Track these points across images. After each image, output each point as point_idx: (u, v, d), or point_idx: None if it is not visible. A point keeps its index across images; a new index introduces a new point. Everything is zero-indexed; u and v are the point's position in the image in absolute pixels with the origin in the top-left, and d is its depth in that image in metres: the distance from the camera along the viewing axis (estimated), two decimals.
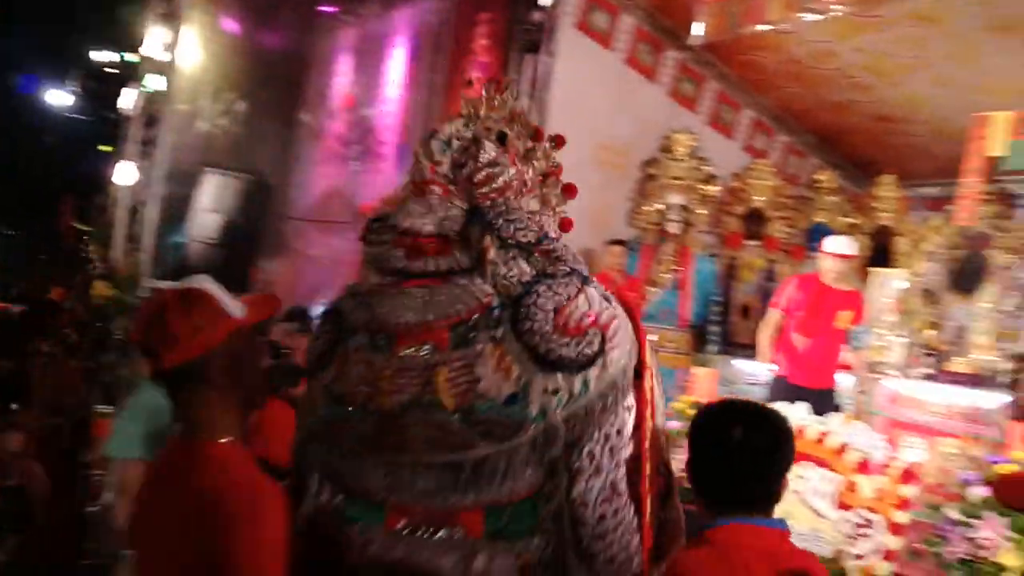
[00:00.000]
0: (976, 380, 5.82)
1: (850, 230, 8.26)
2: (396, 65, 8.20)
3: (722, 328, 7.61)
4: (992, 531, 3.48)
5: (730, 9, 6.49)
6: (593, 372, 1.63)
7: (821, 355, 5.90)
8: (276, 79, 9.01)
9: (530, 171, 1.94)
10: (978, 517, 3.41)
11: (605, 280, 4.61)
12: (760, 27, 6.39)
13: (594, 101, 7.21)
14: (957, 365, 6.16)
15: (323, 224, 8.44)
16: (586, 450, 1.60)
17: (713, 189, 7.78)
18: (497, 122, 1.93)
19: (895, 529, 4.09)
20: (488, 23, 7.22)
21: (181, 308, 1.49)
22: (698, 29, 6.63)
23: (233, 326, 1.54)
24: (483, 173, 1.81)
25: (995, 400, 4.52)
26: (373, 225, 1.85)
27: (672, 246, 7.54)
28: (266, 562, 1.38)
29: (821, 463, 3.89)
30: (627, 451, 1.67)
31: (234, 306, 1.57)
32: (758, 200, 8.25)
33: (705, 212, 7.76)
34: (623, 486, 1.64)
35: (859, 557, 3.99)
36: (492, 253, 1.72)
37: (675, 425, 5.34)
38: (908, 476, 4.08)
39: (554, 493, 1.59)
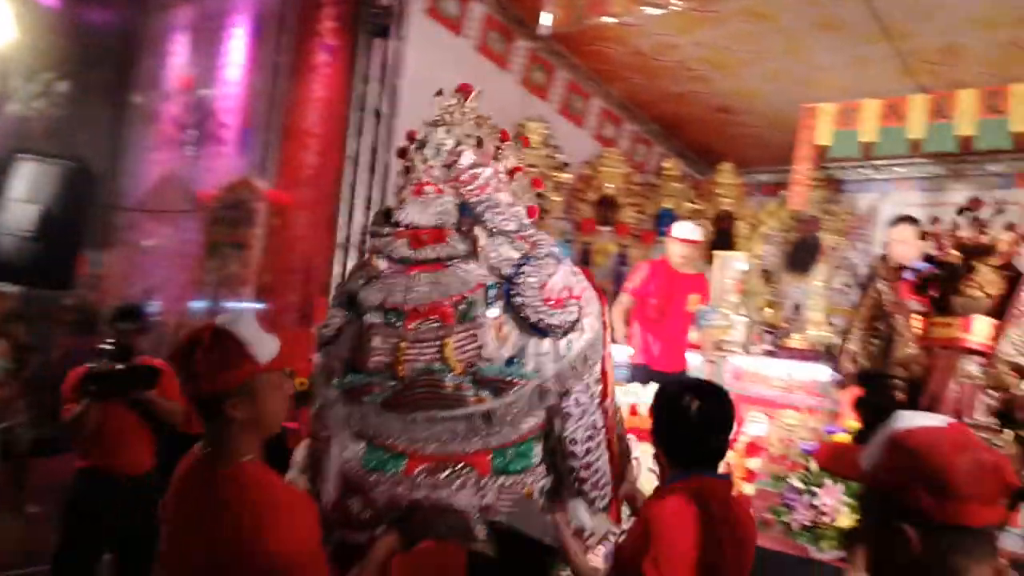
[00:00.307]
0: (812, 355, 6.21)
1: (694, 215, 8.62)
2: (237, 46, 7.74)
3: None
4: (832, 498, 3.69)
5: (577, 1, 6.58)
6: (574, 335, 2.00)
7: (672, 338, 6.11)
8: (104, 58, 8.31)
9: (501, 168, 2.30)
10: (819, 485, 3.59)
11: None
12: (605, 19, 6.51)
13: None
14: (794, 341, 6.54)
15: (159, 214, 7.86)
16: (573, 398, 1.96)
17: (566, 176, 7.88)
18: (468, 127, 2.30)
19: None
20: (335, 5, 6.93)
21: (208, 347, 1.68)
22: (546, 19, 6.66)
23: (253, 370, 1.72)
24: (467, 174, 2.19)
25: (829, 373, 4.82)
26: (379, 221, 2.20)
27: None
28: (297, 559, 1.57)
29: None
30: (604, 399, 2.03)
31: (265, 348, 1.73)
32: (609, 187, 8.45)
33: (559, 199, 7.85)
34: (601, 423, 2.00)
35: None
36: (483, 240, 2.06)
37: None
38: (753, 449, 4.29)
39: (550, 434, 1.96)
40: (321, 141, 6.87)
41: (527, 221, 2.22)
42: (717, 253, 7.63)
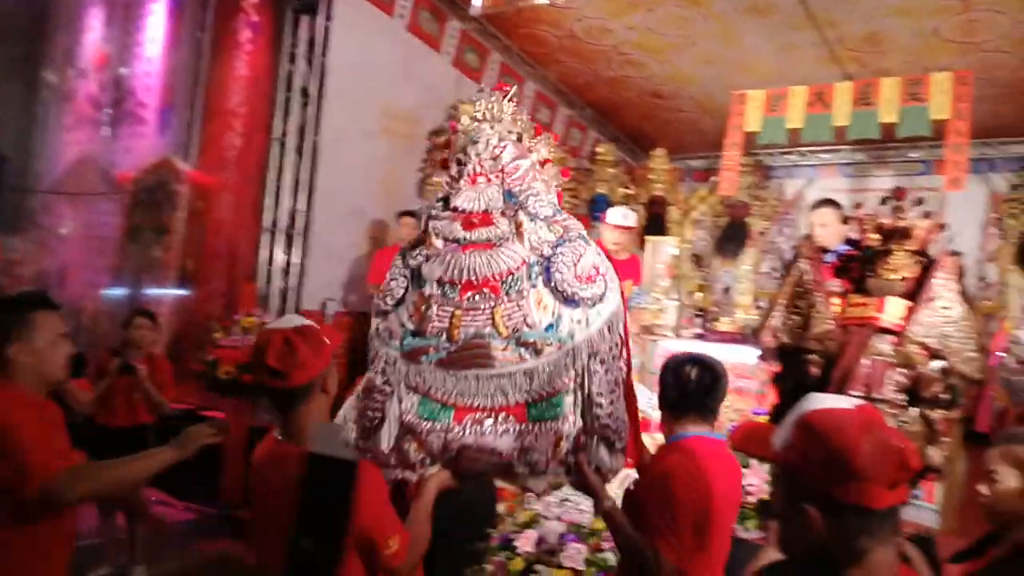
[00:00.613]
0: (740, 337, 6.30)
1: (627, 200, 8.68)
2: (156, 21, 7.41)
3: None
4: (758, 478, 3.75)
5: None
6: (601, 306, 2.37)
7: None
8: (12, 32, 7.87)
9: (535, 159, 2.61)
10: (745, 466, 3.64)
11: None
12: (537, 1, 6.44)
13: (377, 68, 6.94)
14: (724, 324, 6.63)
15: (74, 197, 7.51)
16: (599, 358, 2.31)
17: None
18: (508, 124, 2.59)
19: None
20: None
21: (304, 340, 2.03)
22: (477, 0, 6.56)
23: (331, 351, 2.13)
24: (511, 166, 2.51)
25: (756, 355, 4.89)
26: (437, 206, 2.53)
27: None
28: (381, 513, 2.00)
29: None
30: (622, 359, 2.38)
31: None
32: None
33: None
34: (621, 378, 2.33)
35: None
36: (526, 224, 2.41)
37: None
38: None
39: (579, 389, 2.30)
40: (246, 121, 6.65)
41: (559, 207, 2.57)
42: (649, 238, 7.68)
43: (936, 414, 3.47)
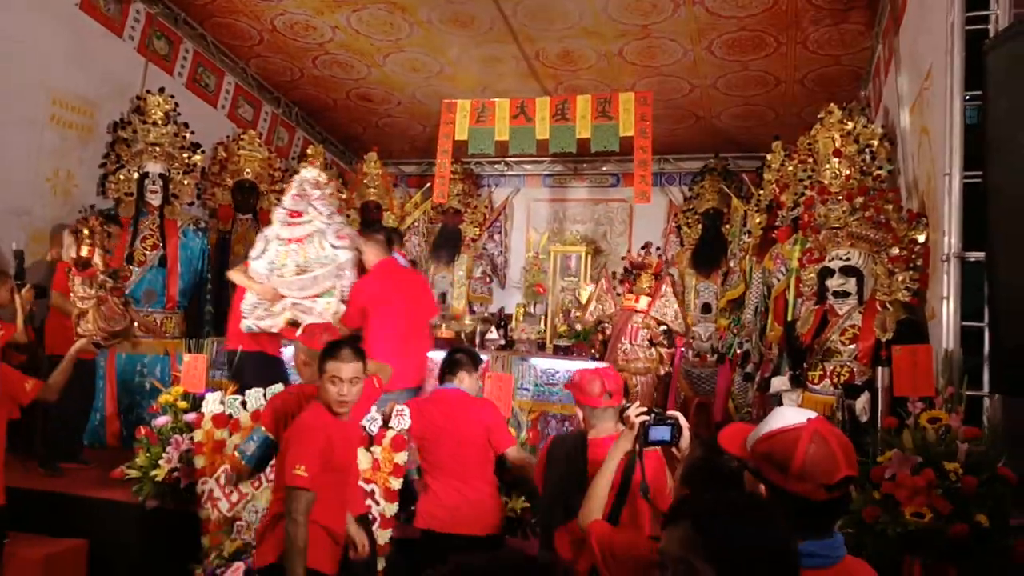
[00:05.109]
0: (456, 342, 6.39)
1: (341, 205, 8.42)
2: None
3: (216, 309, 7.10)
4: None
5: None
6: None
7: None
8: None
9: None
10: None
11: None
12: None
13: (40, 49, 5.99)
14: (440, 331, 6.67)
15: None
16: None
17: (197, 158, 7.13)
18: None
19: (391, 496, 4.22)
20: None
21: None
22: None
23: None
24: None
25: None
26: None
27: (154, 219, 6.74)
28: None
29: None
30: None
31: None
32: (248, 172, 7.89)
33: (189, 183, 7.08)
34: None
35: None
36: None
37: (162, 421, 4.76)
38: (399, 444, 4.23)
39: None
40: None
41: None
42: None
43: (661, 350, 6.74)
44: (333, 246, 5.36)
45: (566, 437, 3.14)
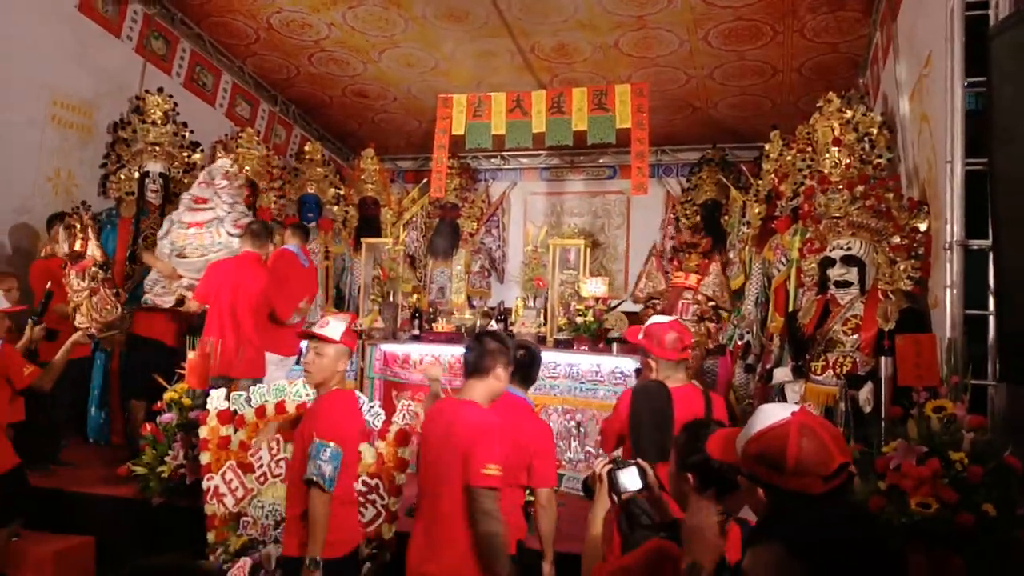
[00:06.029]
0: (456, 336, 6.38)
1: (338, 200, 8.42)
2: None
3: None
4: None
5: None
6: None
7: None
8: None
9: None
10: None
11: None
12: None
13: (40, 49, 5.99)
14: (440, 325, 6.67)
15: None
16: None
17: (196, 157, 7.12)
18: None
19: (395, 491, 4.22)
20: None
21: None
22: None
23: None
24: None
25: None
26: None
27: (155, 218, 6.73)
28: None
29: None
30: None
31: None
32: (247, 170, 7.87)
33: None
34: None
35: (366, 524, 4.03)
36: None
37: (167, 418, 4.77)
38: (403, 438, 4.23)
39: None
40: None
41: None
42: (364, 240, 7.52)
43: (710, 325, 7.02)
44: (229, 233, 5.82)
45: (648, 386, 3.05)
